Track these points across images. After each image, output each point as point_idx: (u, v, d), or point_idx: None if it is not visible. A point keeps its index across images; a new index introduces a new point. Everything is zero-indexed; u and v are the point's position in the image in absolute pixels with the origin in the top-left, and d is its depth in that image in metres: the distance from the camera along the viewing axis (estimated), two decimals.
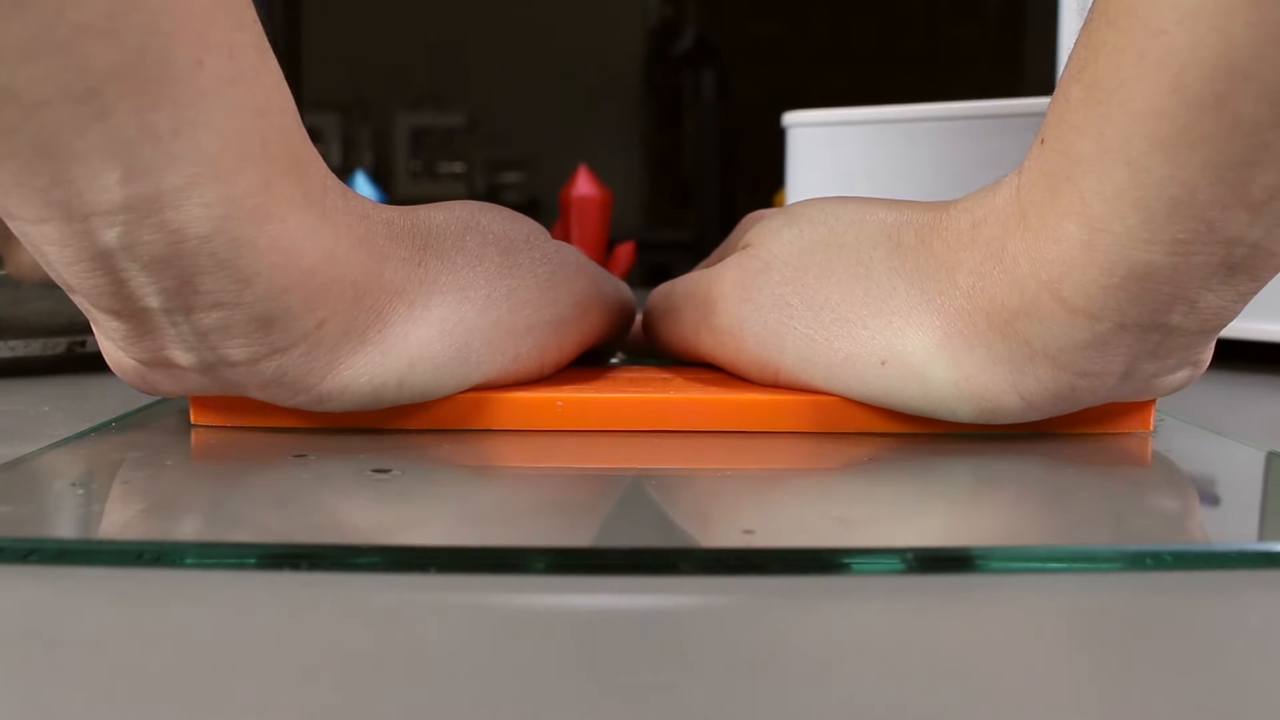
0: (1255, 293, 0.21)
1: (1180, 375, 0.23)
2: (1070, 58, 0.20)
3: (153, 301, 0.20)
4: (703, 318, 0.27)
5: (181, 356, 0.22)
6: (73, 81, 0.17)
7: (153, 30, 0.18)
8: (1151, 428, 0.25)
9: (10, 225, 0.20)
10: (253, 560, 0.16)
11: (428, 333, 0.23)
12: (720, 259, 0.29)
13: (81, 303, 0.21)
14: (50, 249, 0.20)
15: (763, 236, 0.26)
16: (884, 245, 0.24)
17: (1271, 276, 0.21)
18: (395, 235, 0.23)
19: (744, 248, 0.26)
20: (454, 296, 0.23)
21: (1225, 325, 0.22)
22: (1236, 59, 0.17)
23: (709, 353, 0.27)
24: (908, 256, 0.23)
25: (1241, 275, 0.20)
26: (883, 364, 0.23)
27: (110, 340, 0.22)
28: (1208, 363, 0.24)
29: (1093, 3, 0.20)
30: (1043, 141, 0.21)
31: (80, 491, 0.20)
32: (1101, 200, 0.19)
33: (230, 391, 0.23)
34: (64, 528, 0.18)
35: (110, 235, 0.19)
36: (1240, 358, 0.42)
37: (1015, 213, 0.21)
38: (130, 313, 0.21)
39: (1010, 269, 0.21)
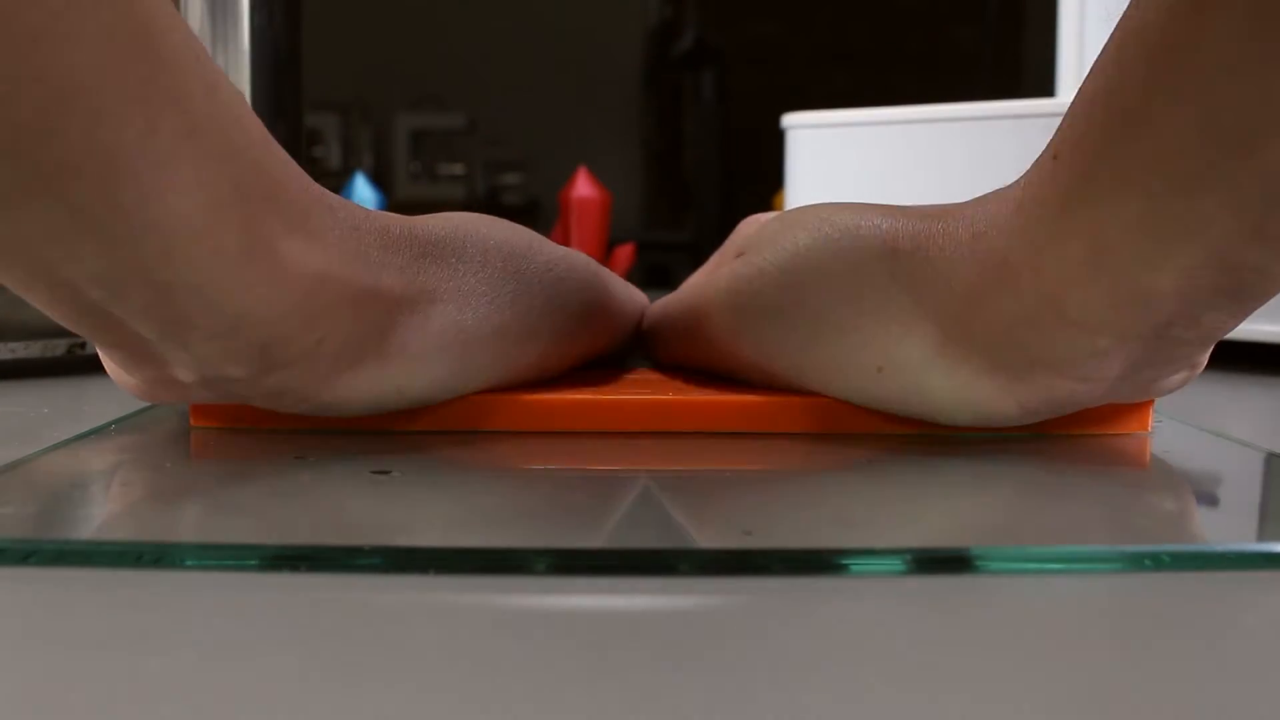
0: (1260, 306, 0.21)
1: (1178, 377, 0.23)
2: (1095, 73, 0.20)
3: (149, 335, 0.20)
4: (699, 328, 0.27)
5: (183, 375, 0.22)
6: (25, 180, 0.17)
7: (98, 120, 0.17)
8: (1150, 429, 0.25)
9: None
10: (253, 562, 0.16)
11: (427, 342, 0.23)
12: (717, 265, 0.29)
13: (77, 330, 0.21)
14: (40, 302, 0.20)
15: (757, 244, 0.25)
16: (879, 252, 0.23)
17: (1275, 293, 0.20)
18: (390, 244, 0.23)
19: (738, 255, 0.26)
20: (454, 304, 0.23)
21: (1225, 333, 0.21)
22: (1272, 109, 0.17)
23: (707, 362, 0.27)
24: (903, 263, 0.23)
25: (1247, 295, 0.20)
26: (879, 371, 0.23)
27: (112, 361, 0.22)
28: (1205, 364, 0.24)
29: (1124, 21, 0.19)
30: (1055, 157, 0.20)
31: (80, 493, 0.20)
32: (1114, 226, 0.19)
33: (234, 400, 0.23)
34: (64, 529, 0.18)
35: (97, 294, 0.19)
36: (1240, 358, 0.42)
37: (1019, 226, 0.21)
38: (128, 345, 0.21)
39: (1010, 281, 0.21)
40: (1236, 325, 0.21)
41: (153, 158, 0.18)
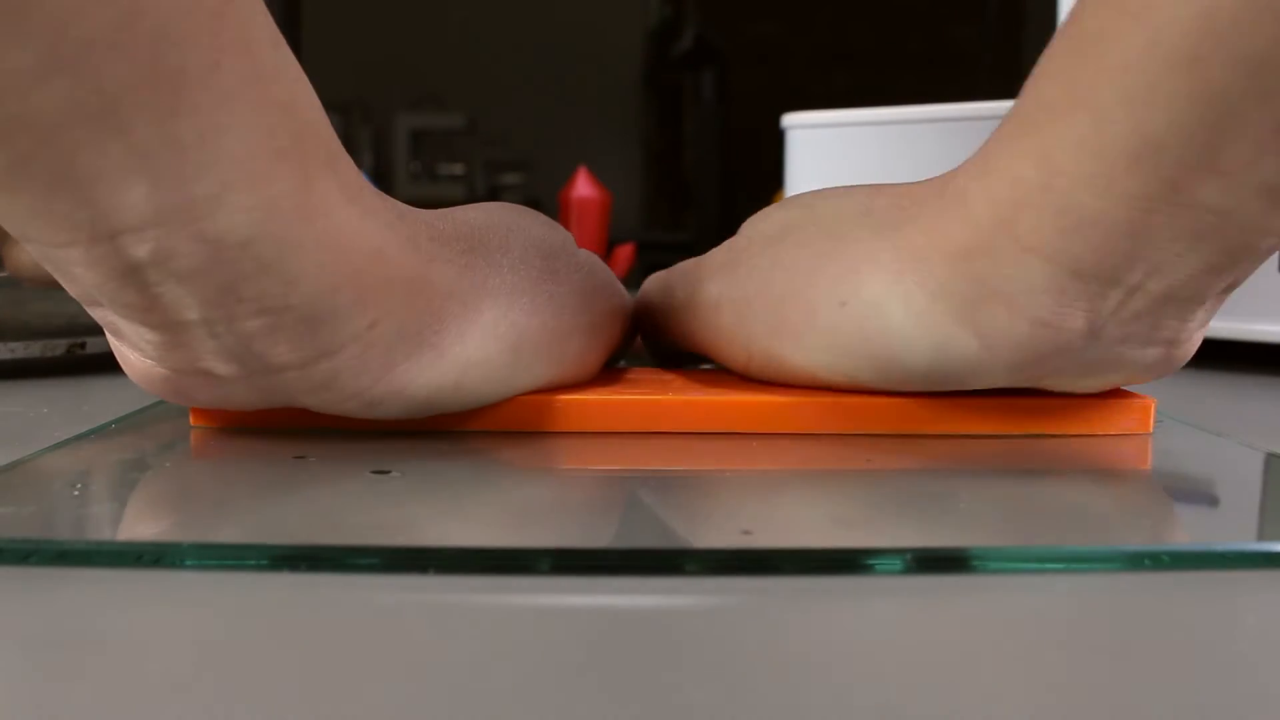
0: (1228, 269, 0.20)
1: (1152, 353, 0.23)
2: (1069, 14, 0.20)
3: (191, 314, 0.20)
4: (690, 296, 0.27)
5: (220, 367, 0.21)
6: (86, 101, 0.17)
7: (162, 38, 0.17)
8: (1151, 429, 0.25)
9: (30, 249, 0.19)
10: (252, 562, 0.16)
11: (482, 336, 0.23)
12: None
13: (105, 315, 0.21)
14: (77, 270, 0.19)
15: (752, 221, 0.27)
16: (857, 210, 0.24)
17: (1247, 256, 0.20)
18: (438, 237, 0.23)
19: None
20: (504, 299, 0.23)
21: (1199, 299, 0.21)
22: (1215, 23, 0.17)
23: (693, 328, 0.28)
24: (878, 215, 0.24)
25: (1210, 244, 0.20)
26: (842, 305, 0.23)
27: (137, 351, 0.21)
28: (1187, 350, 0.23)
29: None
30: (1022, 93, 0.21)
31: (80, 493, 0.20)
32: (1061, 147, 0.19)
33: (272, 400, 0.22)
34: (64, 529, 0.18)
35: (142, 251, 0.18)
36: (1240, 358, 0.42)
37: (979, 161, 0.22)
38: (166, 325, 0.20)
39: (969, 209, 0.21)
40: (1208, 287, 0.21)
41: (216, 92, 0.18)
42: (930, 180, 0.23)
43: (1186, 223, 0.19)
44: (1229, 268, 0.20)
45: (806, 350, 0.24)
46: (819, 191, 0.27)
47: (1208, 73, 0.17)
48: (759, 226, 0.26)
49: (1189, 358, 0.24)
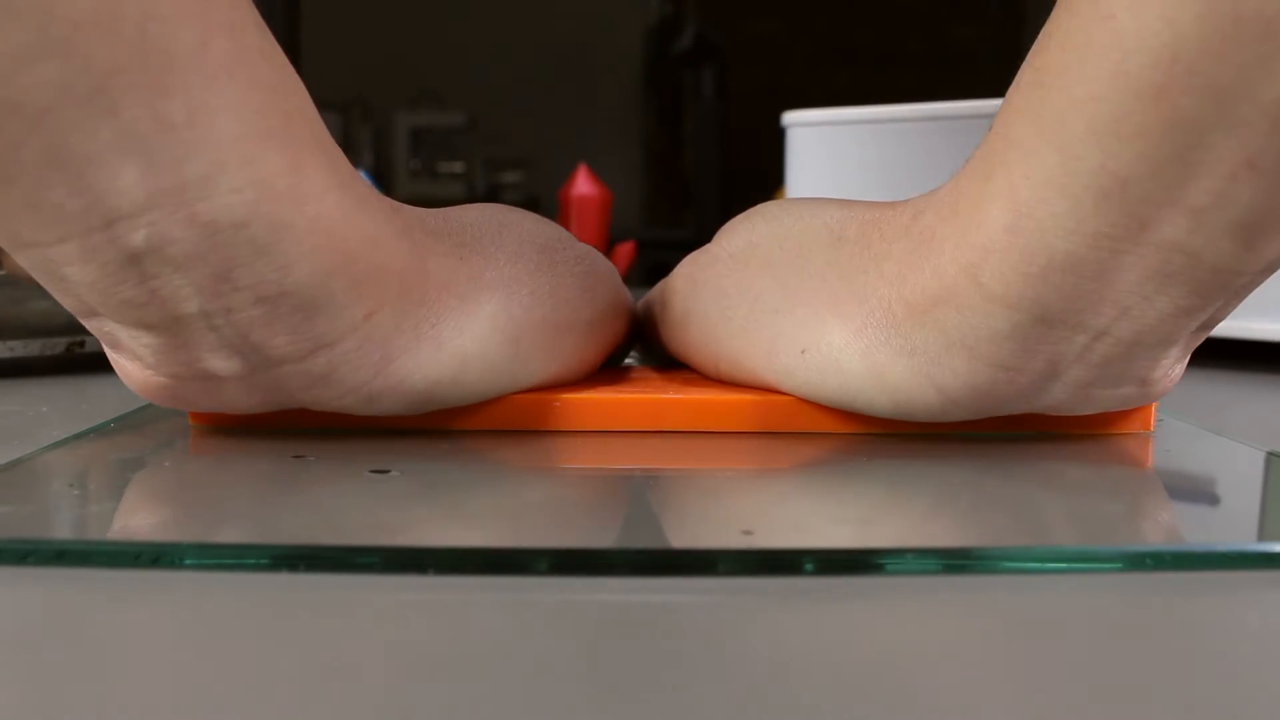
0: (1199, 310, 0.20)
1: (1123, 392, 0.22)
2: (1033, 46, 0.20)
3: (190, 306, 0.19)
4: (662, 311, 0.28)
5: (221, 365, 0.21)
6: (76, 82, 0.17)
7: (151, 17, 0.17)
8: (1152, 428, 0.25)
9: (22, 257, 0.19)
10: (251, 561, 0.16)
11: (481, 329, 0.22)
12: None
13: (101, 325, 0.20)
14: (72, 270, 0.19)
15: (720, 234, 0.27)
16: (825, 239, 0.24)
17: (1219, 297, 0.20)
18: (432, 231, 0.23)
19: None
20: (501, 293, 0.23)
21: (1169, 341, 0.21)
22: (1181, 51, 0.17)
23: (669, 344, 0.28)
24: (844, 250, 0.23)
25: (1179, 285, 0.19)
26: (803, 352, 0.23)
27: (137, 360, 0.21)
28: (1164, 385, 0.23)
29: None
30: (990, 129, 0.21)
31: (78, 492, 0.20)
32: (1029, 185, 0.19)
33: (271, 401, 0.22)
34: (62, 529, 0.18)
35: (137, 238, 0.18)
36: (1240, 357, 0.42)
37: (949, 199, 0.21)
38: (164, 323, 0.20)
39: (935, 255, 0.21)
40: (1180, 329, 0.20)
41: (204, 72, 0.18)
42: (902, 208, 0.23)
43: (1155, 264, 0.19)
44: (1200, 309, 0.20)
45: (769, 380, 0.24)
46: (789, 204, 0.26)
47: (1176, 103, 0.17)
48: (724, 244, 0.26)
49: (1168, 391, 0.23)
